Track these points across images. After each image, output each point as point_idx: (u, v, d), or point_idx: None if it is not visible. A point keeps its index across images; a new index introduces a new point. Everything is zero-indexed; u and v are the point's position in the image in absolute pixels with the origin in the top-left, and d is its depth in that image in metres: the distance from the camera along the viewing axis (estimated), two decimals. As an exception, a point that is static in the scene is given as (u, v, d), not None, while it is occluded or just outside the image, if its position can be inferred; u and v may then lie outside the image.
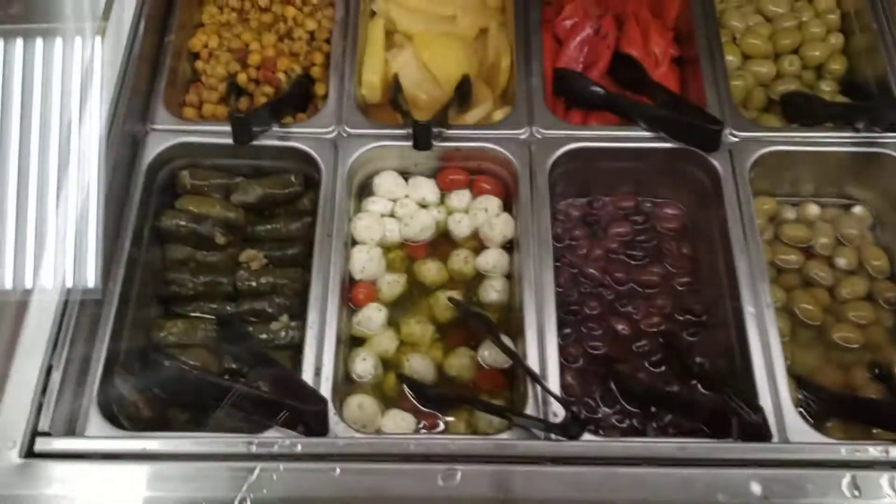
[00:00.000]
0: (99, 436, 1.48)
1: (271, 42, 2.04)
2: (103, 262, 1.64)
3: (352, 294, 1.79)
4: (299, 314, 1.78)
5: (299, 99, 1.95)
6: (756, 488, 1.42)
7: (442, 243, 1.91)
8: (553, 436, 1.50)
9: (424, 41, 2.08)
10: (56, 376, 1.48)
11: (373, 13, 2.18)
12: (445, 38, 2.11)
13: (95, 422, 1.51)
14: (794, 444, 1.52)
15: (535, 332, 1.65)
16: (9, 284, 1.62)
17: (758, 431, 1.51)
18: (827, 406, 1.70)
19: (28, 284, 1.56)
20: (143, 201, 1.79)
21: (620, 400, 1.73)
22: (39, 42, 1.94)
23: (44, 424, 1.44)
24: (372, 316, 1.75)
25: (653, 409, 1.72)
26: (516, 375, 1.69)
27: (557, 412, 1.56)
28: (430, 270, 1.84)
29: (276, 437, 1.45)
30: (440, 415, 1.66)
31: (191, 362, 1.67)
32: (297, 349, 1.73)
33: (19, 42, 1.94)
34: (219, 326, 1.76)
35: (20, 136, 1.77)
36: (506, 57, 2.05)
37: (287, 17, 2.09)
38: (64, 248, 1.59)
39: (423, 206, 1.93)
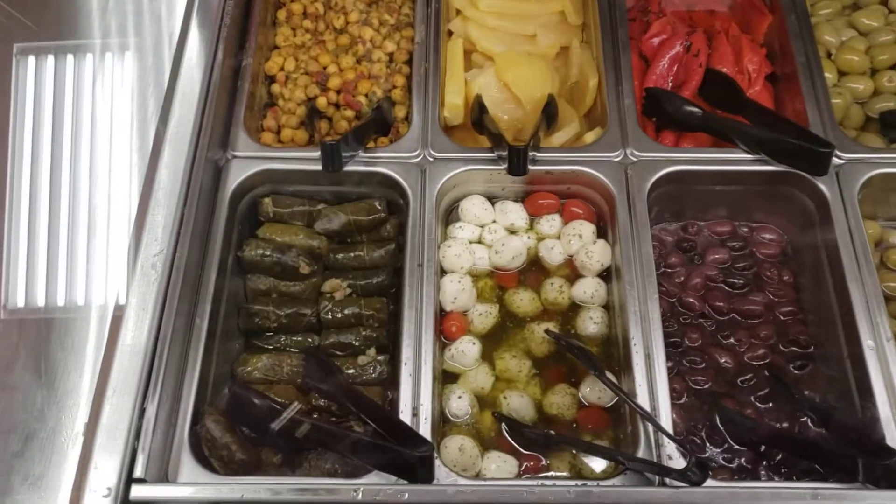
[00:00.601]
0: (195, 482, 1.41)
1: (350, 65, 1.98)
2: (190, 296, 1.59)
3: (443, 326, 1.71)
4: (386, 347, 1.71)
5: (381, 123, 1.87)
6: (898, 540, 1.32)
7: (532, 271, 1.82)
8: (673, 482, 1.40)
9: (506, 61, 2.01)
10: (150, 418, 1.41)
11: (450, 33, 2.11)
12: (527, 57, 2.03)
13: (188, 465, 1.44)
14: (932, 490, 1.41)
15: (644, 367, 1.56)
16: (92, 318, 1.57)
17: (890, 475, 1.41)
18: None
19: (112, 318, 1.51)
20: (227, 230, 1.72)
21: (728, 438, 1.64)
22: (120, 66, 1.91)
23: (139, 470, 1.36)
24: (465, 350, 1.67)
25: (762, 448, 1.62)
26: (621, 414, 1.60)
27: (672, 454, 1.47)
28: (522, 301, 1.75)
29: (381, 485, 1.37)
30: (542, 457, 1.57)
31: (279, 400, 1.60)
32: (385, 385, 1.67)
33: (97, 63, 1.92)
34: (305, 361, 1.68)
35: (105, 166, 1.74)
36: (593, 76, 1.97)
37: (364, 38, 2.02)
38: (148, 282, 1.54)
39: (512, 231, 1.85)
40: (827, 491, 1.39)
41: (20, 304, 1.67)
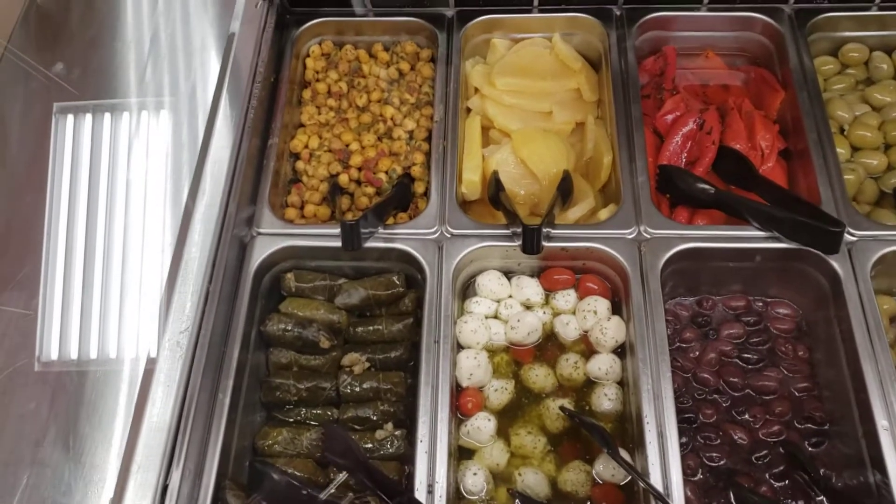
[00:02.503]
0: (214, 559, 1.44)
1: (371, 142, 2.05)
2: (213, 372, 1.64)
3: (459, 402, 1.74)
4: (403, 422, 1.74)
5: (401, 199, 1.94)
6: None
7: (548, 346, 1.86)
8: (684, 564, 1.41)
9: (522, 138, 2.07)
10: (172, 493, 1.45)
11: (468, 111, 2.18)
12: (543, 134, 2.09)
13: (208, 541, 1.48)
14: (946, 575, 1.41)
15: (656, 445, 1.58)
16: (121, 391, 1.62)
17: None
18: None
19: (139, 394, 1.56)
20: (251, 305, 1.78)
21: (743, 516, 1.64)
22: (155, 128, 1.98)
23: (160, 548, 1.41)
24: (481, 426, 1.70)
25: (779, 527, 1.62)
26: (635, 492, 1.61)
27: (685, 535, 1.48)
28: (538, 376, 1.78)
29: (395, 563, 1.40)
30: (556, 534, 1.59)
31: (297, 474, 1.63)
32: (402, 459, 1.69)
33: (133, 125, 1.99)
34: (324, 435, 1.72)
35: (138, 228, 1.80)
36: (607, 153, 2.02)
37: (386, 116, 2.10)
38: (174, 359, 1.59)
39: (528, 306, 1.88)
40: (840, 576, 1.39)
41: (54, 368, 1.72)
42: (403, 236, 1.87)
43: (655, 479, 1.54)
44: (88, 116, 2.05)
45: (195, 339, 1.61)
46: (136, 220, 1.91)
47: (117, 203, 1.94)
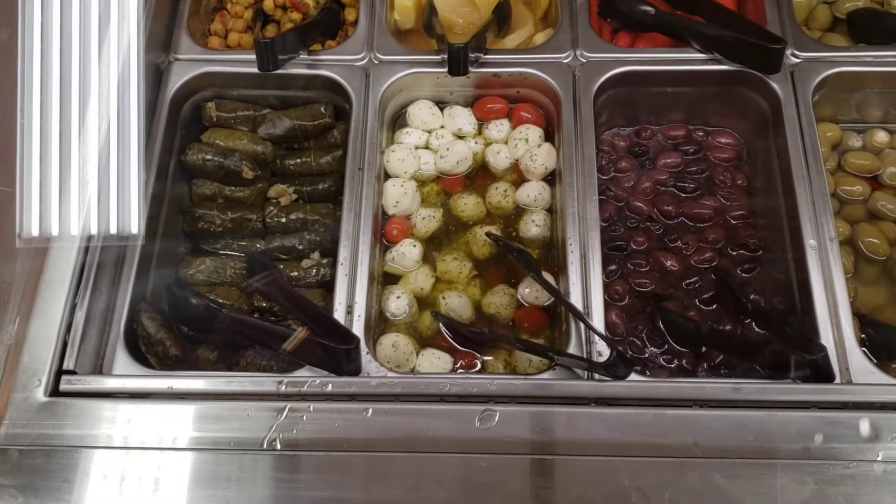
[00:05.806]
0: (125, 374, 1.44)
1: (299, -34, 1.94)
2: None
3: (385, 230, 1.71)
4: (331, 251, 1.71)
5: (329, 25, 1.84)
6: (816, 431, 1.33)
7: (479, 176, 1.81)
8: (597, 376, 1.41)
9: (461, -38, 1.95)
10: (80, 314, 1.44)
11: (405, -67, 2.05)
12: (483, -43, 1.97)
13: (122, 360, 1.47)
14: (857, 385, 1.41)
15: (579, 268, 1.56)
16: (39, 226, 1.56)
17: (818, 371, 1.41)
18: (893, 346, 1.58)
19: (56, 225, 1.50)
20: (168, 134, 1.72)
21: (669, 339, 1.64)
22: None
23: (69, 363, 1.40)
24: (406, 252, 1.67)
25: (703, 350, 1.62)
26: (558, 314, 1.61)
27: (602, 351, 1.47)
28: (466, 205, 1.74)
29: (307, 377, 1.39)
30: (478, 354, 1.58)
31: (219, 300, 1.62)
32: (328, 287, 1.67)
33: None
34: (247, 262, 1.70)
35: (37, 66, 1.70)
36: (548, -24, 1.91)
37: (315, -61, 1.97)
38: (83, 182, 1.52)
39: (460, 136, 1.83)
40: (748, 386, 1.39)
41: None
42: (329, 62, 1.79)
43: (576, 300, 1.52)
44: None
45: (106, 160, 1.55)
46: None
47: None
